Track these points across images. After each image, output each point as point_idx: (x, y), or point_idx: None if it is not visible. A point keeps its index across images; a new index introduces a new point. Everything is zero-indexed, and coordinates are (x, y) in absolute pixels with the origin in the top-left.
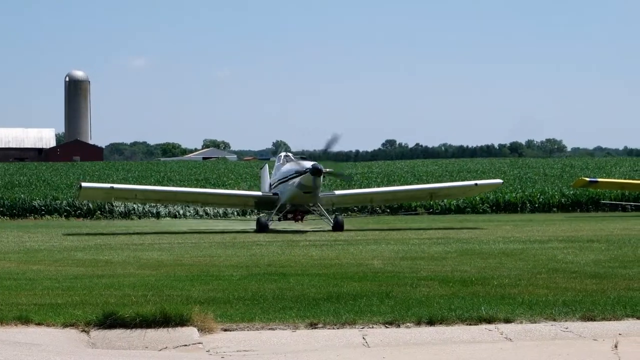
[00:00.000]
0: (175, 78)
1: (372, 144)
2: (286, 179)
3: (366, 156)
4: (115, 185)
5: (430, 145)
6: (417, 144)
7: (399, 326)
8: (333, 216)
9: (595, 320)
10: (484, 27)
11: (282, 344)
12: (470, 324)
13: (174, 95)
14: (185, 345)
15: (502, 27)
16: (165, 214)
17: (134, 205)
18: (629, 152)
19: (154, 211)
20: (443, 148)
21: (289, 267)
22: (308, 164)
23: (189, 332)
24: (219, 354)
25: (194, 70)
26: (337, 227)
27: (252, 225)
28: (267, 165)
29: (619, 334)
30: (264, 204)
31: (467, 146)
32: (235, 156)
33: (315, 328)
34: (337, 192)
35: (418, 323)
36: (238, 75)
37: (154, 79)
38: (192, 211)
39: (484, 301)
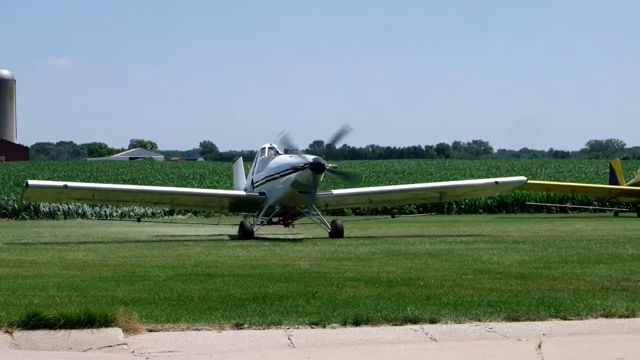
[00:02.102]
0: (102, 78)
1: (300, 145)
2: (277, 175)
3: None
4: (70, 184)
5: (357, 146)
6: (344, 145)
7: (324, 327)
8: (331, 220)
9: (519, 320)
10: (407, 26)
11: (207, 344)
12: (395, 325)
13: (101, 95)
14: (110, 346)
15: (425, 26)
16: (92, 214)
17: (60, 205)
18: (555, 154)
19: (80, 211)
20: (370, 149)
21: (215, 268)
22: (308, 157)
23: (114, 333)
24: (144, 354)
25: (121, 70)
26: (336, 232)
27: (226, 230)
28: (240, 159)
29: (543, 334)
30: (244, 205)
31: (394, 147)
32: (162, 156)
33: (241, 329)
34: (335, 191)
35: (344, 323)
36: (165, 75)
37: (80, 78)
38: (119, 212)
39: (409, 302)
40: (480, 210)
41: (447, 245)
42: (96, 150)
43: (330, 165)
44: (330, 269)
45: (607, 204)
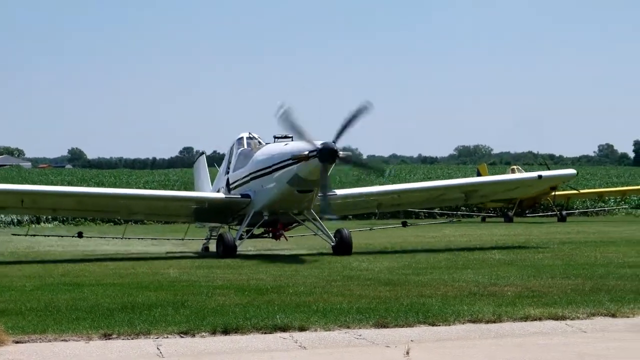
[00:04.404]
0: None
1: (169, 152)
2: (269, 169)
3: (163, 164)
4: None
5: None
6: (214, 152)
7: (194, 336)
8: (334, 230)
9: (388, 327)
10: (289, 26)
11: (75, 355)
12: (265, 333)
13: None
14: None
15: (308, 27)
16: None
17: None
18: (423, 160)
19: None
20: None
21: (83, 277)
22: (314, 142)
23: None
24: None
25: None
26: (342, 246)
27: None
28: (203, 157)
29: (411, 341)
30: (218, 212)
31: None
32: (30, 164)
33: (110, 339)
34: (339, 191)
35: (213, 332)
36: (31, 79)
37: None
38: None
39: (279, 309)
40: (350, 217)
41: (317, 252)
42: None
43: (344, 152)
44: (200, 277)
45: (475, 209)
